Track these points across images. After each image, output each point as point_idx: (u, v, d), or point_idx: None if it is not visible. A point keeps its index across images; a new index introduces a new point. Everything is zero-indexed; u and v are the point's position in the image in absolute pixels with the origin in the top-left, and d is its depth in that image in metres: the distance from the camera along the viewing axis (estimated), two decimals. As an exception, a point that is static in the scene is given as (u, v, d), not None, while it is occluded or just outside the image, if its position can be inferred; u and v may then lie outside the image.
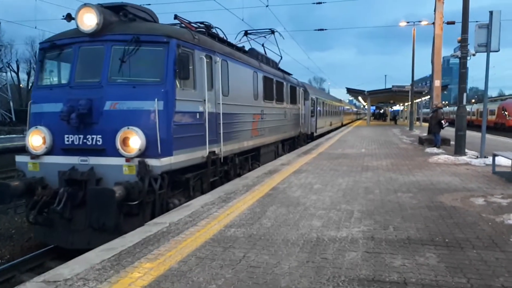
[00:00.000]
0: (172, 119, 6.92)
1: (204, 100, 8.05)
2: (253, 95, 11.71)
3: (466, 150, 13.14)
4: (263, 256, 4.09)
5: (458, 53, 13.41)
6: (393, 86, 40.74)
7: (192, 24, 9.47)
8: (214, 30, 10.42)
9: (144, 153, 6.61)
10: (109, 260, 4.02)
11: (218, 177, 9.05)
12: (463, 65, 13.29)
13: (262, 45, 16.25)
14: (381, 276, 3.57)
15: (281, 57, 17.51)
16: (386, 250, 4.22)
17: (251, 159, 12.00)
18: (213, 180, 8.71)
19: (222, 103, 8.92)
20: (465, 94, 13.12)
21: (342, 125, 45.58)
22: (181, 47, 7.25)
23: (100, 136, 6.82)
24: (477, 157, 11.87)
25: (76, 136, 6.91)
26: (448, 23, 20.48)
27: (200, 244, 4.49)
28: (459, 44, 13.10)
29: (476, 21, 13.23)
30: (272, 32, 15.84)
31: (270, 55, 17.22)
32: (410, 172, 9.70)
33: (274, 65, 15.51)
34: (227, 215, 5.74)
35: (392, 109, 73.16)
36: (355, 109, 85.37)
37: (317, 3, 21.93)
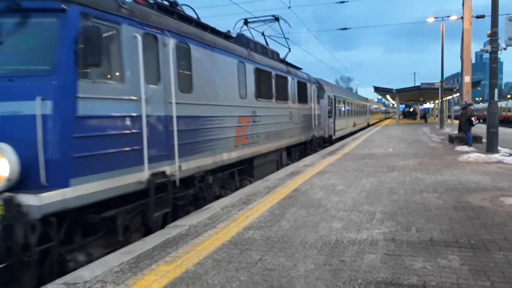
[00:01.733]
0: (70, 129, 4.61)
1: (141, 99, 5.64)
2: (238, 93, 9.17)
3: (499, 148, 12.61)
4: (280, 259, 4.05)
5: (488, 47, 12.92)
6: (422, 83, 39.81)
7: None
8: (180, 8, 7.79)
9: (18, 185, 4.31)
10: (127, 263, 4.09)
11: (178, 205, 6.82)
12: (493, 60, 12.79)
13: (262, 33, 14.09)
14: (399, 279, 3.47)
15: (289, 49, 15.40)
16: (407, 252, 4.10)
17: (238, 174, 9.63)
18: (167, 212, 6.28)
19: (178, 103, 6.45)
20: (496, 90, 12.61)
21: (369, 125, 42.74)
22: (91, 18, 4.94)
23: None
24: (510, 154, 11.38)
25: None
26: (477, 17, 19.76)
27: (218, 247, 4.51)
28: (489, 38, 12.63)
29: (507, 14, 12.75)
30: (276, 19, 13.76)
31: (276, 47, 15.39)
32: (438, 171, 9.40)
33: (276, 56, 12.99)
34: (247, 217, 5.73)
35: (422, 107, 71.35)
36: (383, 108, 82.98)
37: (340, 2, 21.68)
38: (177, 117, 6.41)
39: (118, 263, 4.08)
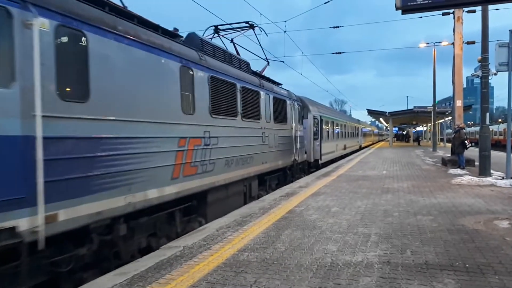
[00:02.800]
0: None
1: None
2: (180, 106, 6.95)
3: (492, 171, 12.73)
4: (275, 281, 4.02)
5: (479, 72, 13.20)
6: (414, 107, 40.28)
7: None
8: None
9: None
10: (121, 285, 4.03)
11: (62, 273, 4.74)
12: (484, 85, 13.06)
13: (231, 40, 12.54)
14: (395, 303, 3.45)
15: (268, 61, 14.05)
16: (402, 276, 4.09)
17: (182, 215, 7.37)
18: None
19: (53, 116, 4.41)
20: (487, 114, 12.82)
21: (361, 148, 41.55)
22: None
23: None
24: (503, 178, 11.47)
25: None
26: (468, 43, 20.25)
27: (212, 269, 4.46)
28: (480, 63, 12.92)
29: (497, 40, 13.08)
30: (251, 26, 12.29)
31: (255, 61, 14.05)
32: (432, 194, 9.44)
33: (244, 66, 10.97)
34: (242, 239, 5.70)
35: (415, 130, 72.03)
36: (376, 131, 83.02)
37: (334, 27, 22.10)
38: (50, 138, 4.28)
39: (111, 284, 4.02)
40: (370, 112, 49.14)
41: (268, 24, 19.37)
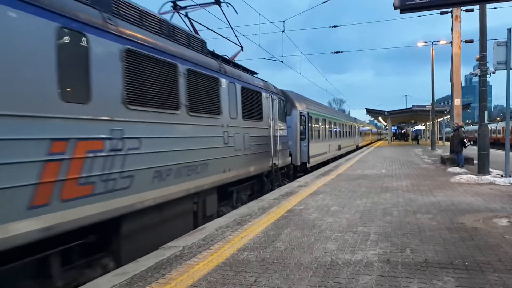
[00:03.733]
0: None
1: None
2: (56, 89, 4.51)
3: (490, 169, 12.76)
4: (275, 281, 4.02)
5: (477, 71, 13.23)
6: (413, 105, 40.33)
7: None
8: None
9: None
10: (120, 285, 4.03)
11: None
12: (483, 83, 13.09)
13: (186, 15, 10.23)
14: (395, 301, 3.45)
15: (242, 47, 11.66)
16: (402, 274, 4.09)
17: (76, 257, 5.10)
18: None
19: None
20: (486, 112, 12.84)
21: (358, 148, 39.61)
22: None
23: None
24: (502, 176, 11.49)
25: None
26: (466, 41, 20.27)
27: (212, 268, 4.46)
28: (478, 62, 12.94)
29: (495, 39, 13.12)
30: (217, 1, 10.39)
31: (225, 47, 11.39)
32: (431, 192, 9.45)
33: (195, 44, 8.45)
34: (241, 238, 5.70)
35: (413, 129, 72.13)
36: (374, 130, 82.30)
37: (333, 27, 22.10)
38: None
39: (110, 285, 4.02)
40: (369, 111, 49.19)
41: (267, 24, 19.25)
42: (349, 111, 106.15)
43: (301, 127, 16.76)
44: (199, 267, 4.53)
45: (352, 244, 5.23)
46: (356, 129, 40.25)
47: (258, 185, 11.57)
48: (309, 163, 17.20)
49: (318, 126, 20.35)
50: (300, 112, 16.79)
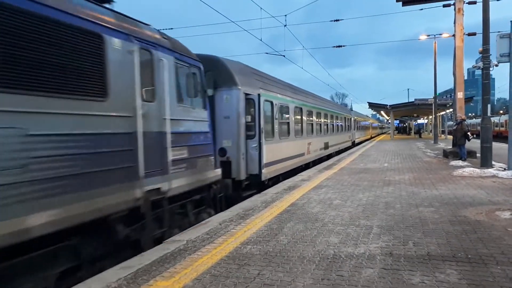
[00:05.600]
0: None
1: None
2: None
3: (493, 162, 12.74)
4: (278, 274, 4.04)
5: (480, 64, 13.16)
6: (415, 99, 40.22)
7: None
8: None
9: None
10: (125, 278, 4.06)
11: None
12: (485, 76, 13.03)
13: None
14: (398, 293, 3.47)
15: None
16: (405, 267, 4.11)
17: None
18: None
19: None
20: (489, 106, 12.78)
21: (354, 145, 33.66)
22: None
23: None
24: (505, 169, 11.48)
25: None
26: (469, 34, 20.16)
27: (216, 262, 4.49)
28: (481, 55, 12.87)
29: (498, 31, 13.04)
30: None
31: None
32: (433, 186, 9.45)
33: None
34: (244, 232, 5.72)
35: (416, 123, 72.00)
36: (375, 124, 77.78)
37: (335, 20, 22.00)
38: None
39: (115, 278, 4.05)
40: (371, 105, 49.15)
41: (269, 18, 19.18)
42: (351, 106, 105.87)
43: (248, 118, 10.66)
44: (202, 260, 4.56)
45: (355, 237, 5.25)
46: (352, 122, 34.57)
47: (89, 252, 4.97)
48: (261, 172, 10.79)
49: (288, 117, 14.33)
50: (247, 95, 10.59)
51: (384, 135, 67.88)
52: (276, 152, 12.35)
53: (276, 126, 12.65)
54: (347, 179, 11.08)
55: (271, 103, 12.45)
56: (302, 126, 16.17)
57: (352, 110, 42.66)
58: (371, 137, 56.54)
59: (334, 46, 24.78)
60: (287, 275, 3.99)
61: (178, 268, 4.33)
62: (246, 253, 4.77)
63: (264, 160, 11.06)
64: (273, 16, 19.28)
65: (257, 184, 10.94)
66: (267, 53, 23.27)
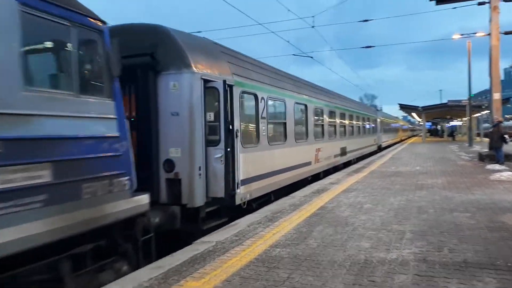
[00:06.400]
0: None
1: None
2: None
3: (533, 167, 12.18)
4: (308, 278, 4.00)
5: (519, 63, 12.62)
6: (448, 100, 39.02)
7: None
8: None
9: None
10: (156, 278, 4.12)
11: None
12: (524, 76, 12.47)
13: None
14: (433, 301, 3.36)
15: None
16: (440, 274, 3.98)
17: None
18: None
19: None
20: (528, 107, 12.23)
21: (380, 150, 29.57)
22: None
23: None
24: (546, 174, 10.95)
25: None
26: (506, 33, 19.32)
27: (245, 264, 4.49)
28: (519, 54, 12.35)
29: (538, 29, 12.46)
30: None
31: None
32: (469, 190, 9.12)
33: None
34: (273, 235, 5.70)
35: (449, 125, 69.85)
36: (405, 126, 72.75)
37: (364, 21, 21.64)
38: None
39: (147, 278, 4.12)
40: (402, 107, 47.99)
41: (296, 20, 19.06)
42: (381, 107, 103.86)
43: (210, 117, 7.26)
44: (232, 262, 4.57)
45: (387, 242, 5.13)
46: (378, 124, 30.18)
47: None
48: (234, 195, 7.56)
49: (283, 116, 10.85)
50: (207, 81, 7.14)
51: (415, 138, 66.17)
52: (262, 162, 9.12)
53: (262, 127, 9.25)
54: (377, 183, 10.86)
55: (255, 95, 9.03)
56: (307, 128, 12.64)
57: (378, 110, 38.43)
58: (401, 140, 53.57)
59: (363, 47, 24.36)
60: (317, 279, 3.94)
61: (208, 269, 4.36)
62: (275, 256, 4.75)
63: (241, 176, 7.93)
64: (300, 18, 19.20)
65: (229, 209, 7.68)
66: (294, 54, 23.18)
